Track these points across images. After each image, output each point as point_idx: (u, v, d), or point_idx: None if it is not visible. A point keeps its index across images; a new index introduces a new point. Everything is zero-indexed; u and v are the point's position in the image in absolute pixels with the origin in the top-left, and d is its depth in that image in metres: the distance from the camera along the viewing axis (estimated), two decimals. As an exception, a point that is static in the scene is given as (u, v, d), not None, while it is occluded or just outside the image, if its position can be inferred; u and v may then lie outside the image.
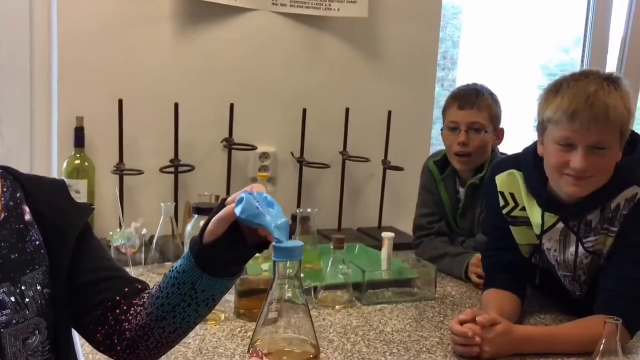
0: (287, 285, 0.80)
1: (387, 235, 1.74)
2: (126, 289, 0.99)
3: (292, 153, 2.17)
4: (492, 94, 1.87)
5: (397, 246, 1.85)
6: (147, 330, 0.94)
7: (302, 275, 1.61)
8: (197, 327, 1.36)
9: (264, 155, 2.14)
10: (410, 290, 1.68)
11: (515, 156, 1.54)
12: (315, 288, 1.59)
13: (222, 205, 0.88)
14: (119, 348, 0.96)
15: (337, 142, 2.20)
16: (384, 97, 2.27)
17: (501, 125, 1.89)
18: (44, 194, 1.00)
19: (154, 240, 1.72)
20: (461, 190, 1.91)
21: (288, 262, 0.79)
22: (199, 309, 0.93)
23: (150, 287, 1.00)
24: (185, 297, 0.91)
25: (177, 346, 1.26)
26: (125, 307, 0.97)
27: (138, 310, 0.96)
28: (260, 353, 0.75)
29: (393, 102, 2.26)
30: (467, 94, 1.85)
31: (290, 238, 0.80)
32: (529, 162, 1.45)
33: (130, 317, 0.96)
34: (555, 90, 1.34)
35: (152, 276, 1.68)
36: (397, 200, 2.29)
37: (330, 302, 1.56)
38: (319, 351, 0.79)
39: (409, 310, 1.57)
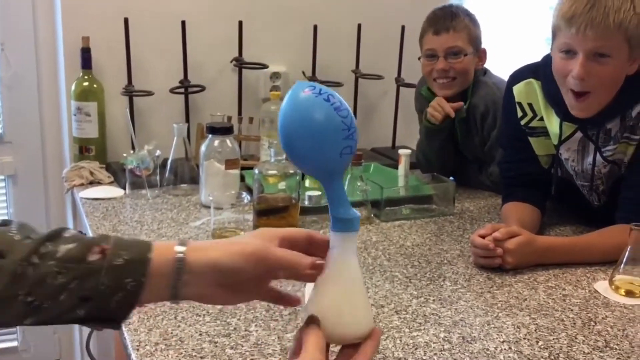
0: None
1: (403, 152, 1.71)
2: None
3: (303, 72, 2.11)
4: (469, 14, 1.76)
5: (414, 165, 1.83)
6: None
7: (319, 194, 1.61)
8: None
9: (275, 75, 2.09)
10: (429, 207, 1.67)
11: (534, 65, 1.49)
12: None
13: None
14: None
15: (349, 60, 2.14)
16: (397, 12, 2.19)
17: (483, 46, 1.80)
18: None
19: (168, 162, 1.70)
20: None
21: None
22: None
23: None
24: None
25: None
26: None
27: None
28: None
29: (406, 16, 2.17)
30: (442, 18, 1.74)
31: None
32: (547, 70, 1.40)
33: None
34: None
35: (168, 197, 1.68)
36: (412, 118, 2.24)
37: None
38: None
39: (427, 226, 1.56)
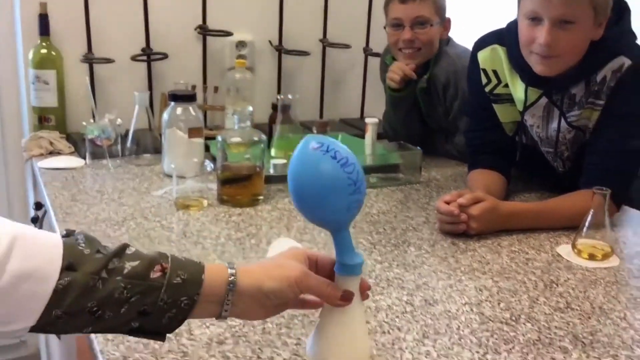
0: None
1: (370, 120, 1.69)
2: None
3: (270, 42, 2.08)
4: None
5: (381, 136, 1.81)
6: None
7: (284, 162, 1.58)
8: (180, 212, 1.35)
9: (241, 44, 2.05)
10: (395, 176, 1.66)
11: (499, 31, 1.48)
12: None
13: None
14: None
15: (316, 29, 2.11)
16: (364, -20, 2.16)
17: (447, 15, 1.78)
18: None
19: (130, 132, 1.66)
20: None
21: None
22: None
23: None
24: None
25: (160, 230, 1.25)
26: None
27: None
28: None
29: (374, -15, 2.15)
30: None
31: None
32: (512, 36, 1.39)
33: None
34: None
35: (130, 167, 1.64)
36: (380, 88, 2.23)
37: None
38: None
39: (394, 194, 1.55)
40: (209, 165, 1.38)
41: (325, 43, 2.12)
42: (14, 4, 1.85)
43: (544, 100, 1.41)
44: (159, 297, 0.64)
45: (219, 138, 1.41)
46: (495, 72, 1.47)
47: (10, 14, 1.88)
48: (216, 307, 0.68)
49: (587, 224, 1.21)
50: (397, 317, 0.95)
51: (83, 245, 0.63)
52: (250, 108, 1.41)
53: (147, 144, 1.69)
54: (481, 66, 1.48)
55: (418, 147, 1.67)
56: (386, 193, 1.55)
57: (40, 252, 0.60)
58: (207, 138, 1.65)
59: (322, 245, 1.20)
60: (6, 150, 2.03)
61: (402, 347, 0.87)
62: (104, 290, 0.61)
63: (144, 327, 0.65)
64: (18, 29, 1.84)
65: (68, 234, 0.65)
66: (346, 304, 0.72)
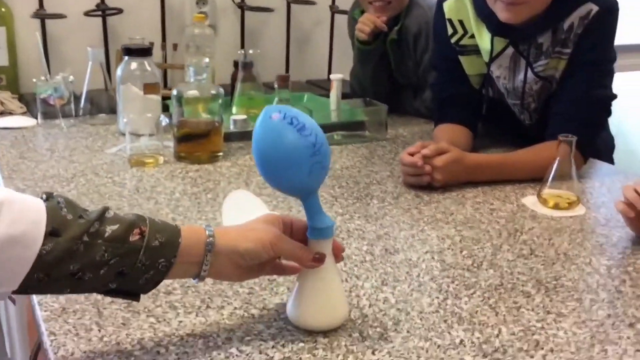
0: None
1: (335, 77, 1.64)
2: None
3: (231, -2, 2.01)
4: None
5: (347, 96, 1.76)
6: None
7: (244, 117, 1.53)
8: (134, 170, 1.29)
9: (202, 1, 1.98)
10: (361, 133, 1.61)
11: None
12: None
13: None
14: None
15: (280, -15, 2.04)
16: None
17: None
18: None
19: (84, 90, 1.59)
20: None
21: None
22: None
23: None
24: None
25: (112, 186, 1.19)
26: None
27: None
28: None
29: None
30: None
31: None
32: None
33: None
34: None
35: (84, 127, 1.57)
36: (348, 47, 2.18)
37: (276, 144, 1.48)
38: None
39: (359, 150, 1.51)
40: (164, 120, 1.33)
41: (290, 0, 2.05)
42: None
43: (510, 50, 1.37)
44: (137, 259, 0.65)
45: (174, 92, 1.35)
46: (461, 22, 1.43)
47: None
48: (195, 268, 0.69)
49: (552, 173, 1.17)
50: (356, 266, 0.92)
51: (65, 210, 0.64)
52: (207, 59, 1.35)
53: (102, 104, 1.62)
54: (447, 16, 1.44)
55: (384, 104, 1.62)
56: (351, 149, 1.51)
57: (26, 217, 0.61)
58: (166, 98, 1.58)
59: (282, 199, 1.15)
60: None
61: (360, 294, 0.84)
62: (86, 254, 0.63)
63: (121, 287, 0.67)
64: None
65: (48, 197, 0.65)
66: (318, 266, 0.73)
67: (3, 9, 1.70)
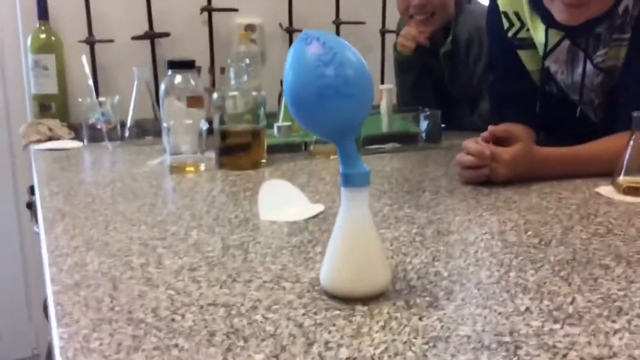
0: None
1: (385, 87, 1.57)
2: None
3: (280, 24, 1.99)
4: None
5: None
6: None
7: (291, 124, 1.47)
8: (174, 175, 1.24)
9: (250, 28, 1.97)
10: (414, 146, 1.52)
11: None
12: (305, 144, 1.45)
13: None
14: None
15: (329, 9, 2.02)
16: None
17: None
18: None
19: (130, 109, 1.57)
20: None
21: None
22: None
23: None
24: None
25: (148, 188, 1.14)
26: None
27: None
28: None
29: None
30: None
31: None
32: None
33: None
34: None
35: (130, 147, 1.54)
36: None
37: (322, 153, 1.40)
38: None
39: (411, 156, 1.42)
40: (204, 125, 1.27)
41: (339, 22, 2.02)
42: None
43: (566, 42, 1.27)
44: None
45: (214, 96, 1.30)
46: (517, 14, 1.33)
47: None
48: None
49: (626, 159, 1.05)
50: (404, 245, 0.81)
51: None
52: (247, 60, 1.30)
53: (148, 127, 1.60)
54: (501, 9, 1.35)
55: (437, 110, 1.53)
56: (402, 156, 1.42)
57: None
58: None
59: (325, 194, 1.07)
60: (12, 139, 1.97)
61: (407, 268, 0.73)
62: None
63: None
64: (18, 13, 1.79)
65: None
66: None
67: (53, 38, 1.73)
